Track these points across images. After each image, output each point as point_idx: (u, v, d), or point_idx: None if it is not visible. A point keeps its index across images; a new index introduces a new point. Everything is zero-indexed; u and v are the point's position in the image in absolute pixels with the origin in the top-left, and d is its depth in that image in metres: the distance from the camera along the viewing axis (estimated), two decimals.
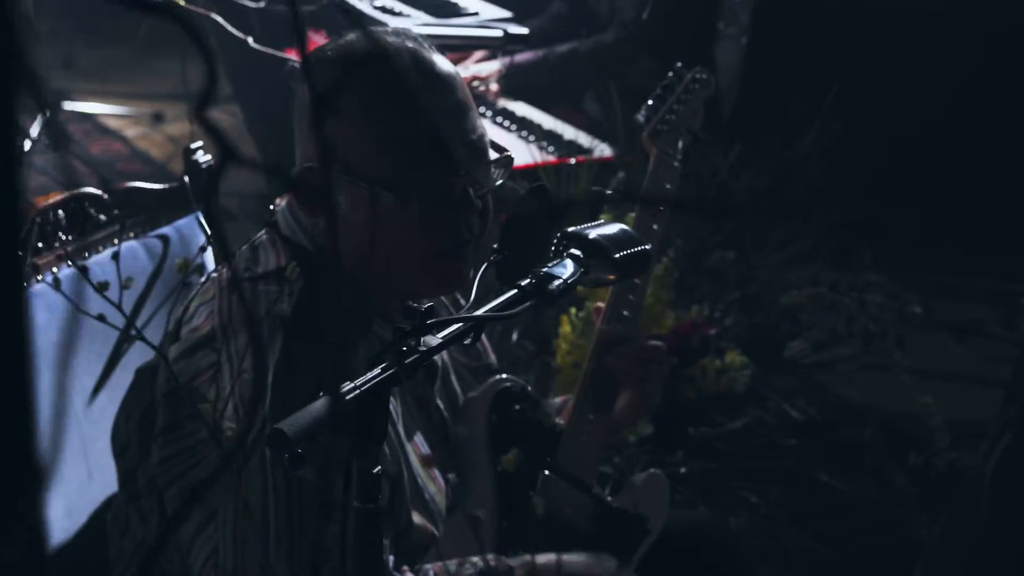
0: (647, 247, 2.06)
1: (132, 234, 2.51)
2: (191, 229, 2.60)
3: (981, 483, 2.82)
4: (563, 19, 4.83)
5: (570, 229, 2.01)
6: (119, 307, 1.90)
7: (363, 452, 1.52)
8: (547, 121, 4.24)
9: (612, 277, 2.01)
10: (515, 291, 1.82)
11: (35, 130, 6.62)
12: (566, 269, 1.91)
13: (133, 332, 2.04)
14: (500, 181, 2.10)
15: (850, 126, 3.75)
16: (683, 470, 3.23)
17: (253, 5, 3.39)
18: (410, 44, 2.04)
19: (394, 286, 2.05)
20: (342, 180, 2.00)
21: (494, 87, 4.40)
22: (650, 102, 2.65)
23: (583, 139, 4.10)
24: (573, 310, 3.24)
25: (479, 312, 1.74)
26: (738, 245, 3.55)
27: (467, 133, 2.03)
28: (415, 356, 1.58)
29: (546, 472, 2.35)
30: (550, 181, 3.52)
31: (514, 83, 4.43)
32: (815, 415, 3.39)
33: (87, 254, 2.41)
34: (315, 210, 2.06)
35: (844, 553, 3.37)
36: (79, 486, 2.34)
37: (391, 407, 2.08)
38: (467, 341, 1.72)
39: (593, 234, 1.99)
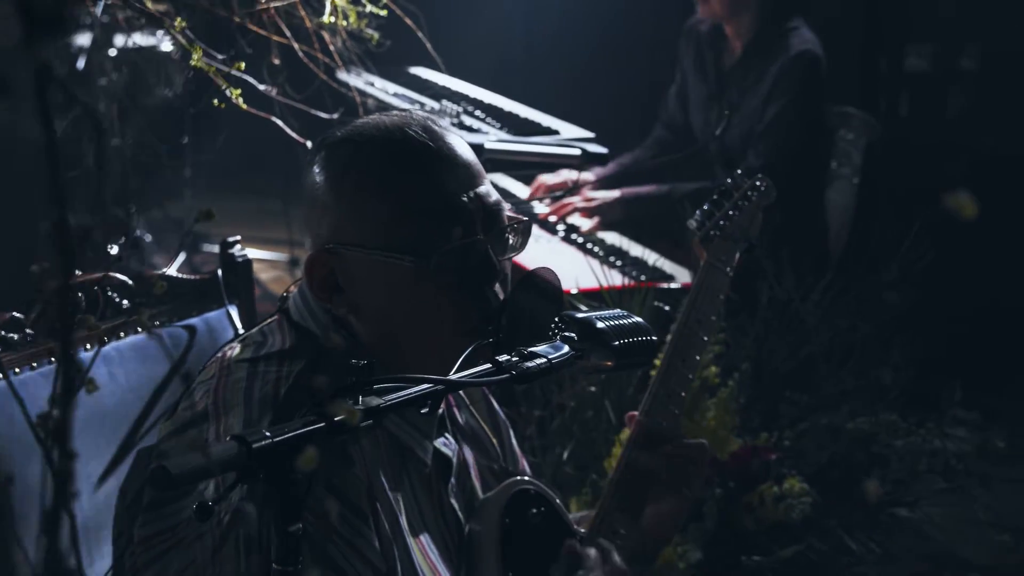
0: (653, 339, 1.99)
1: (157, 323, 2.49)
2: (220, 323, 2.58)
3: None
4: (665, 146, 4.81)
5: (574, 313, 1.95)
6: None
7: (279, 509, 1.43)
8: (635, 249, 4.21)
9: (610, 364, 1.93)
10: (489, 365, 1.75)
11: (175, 265, 6.83)
12: (554, 351, 1.83)
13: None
14: (518, 248, 2.05)
15: (941, 256, 3.62)
16: None
17: (327, 116, 3.41)
18: (418, 118, 2.03)
19: (409, 367, 1.99)
20: (358, 256, 1.96)
21: (595, 220, 4.37)
22: (705, 207, 2.58)
23: (667, 266, 4.05)
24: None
25: (434, 377, 1.65)
26: (809, 374, 3.42)
27: (482, 197, 2.00)
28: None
29: None
30: (613, 301, 3.45)
31: (634, 211, 4.42)
32: (877, 549, 3.21)
33: (106, 339, 2.39)
34: (327, 294, 2.02)
35: None
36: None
37: (392, 499, 2.02)
38: (424, 410, 1.64)
39: (594, 319, 1.93)
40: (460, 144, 2.03)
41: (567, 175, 4.49)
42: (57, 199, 0.64)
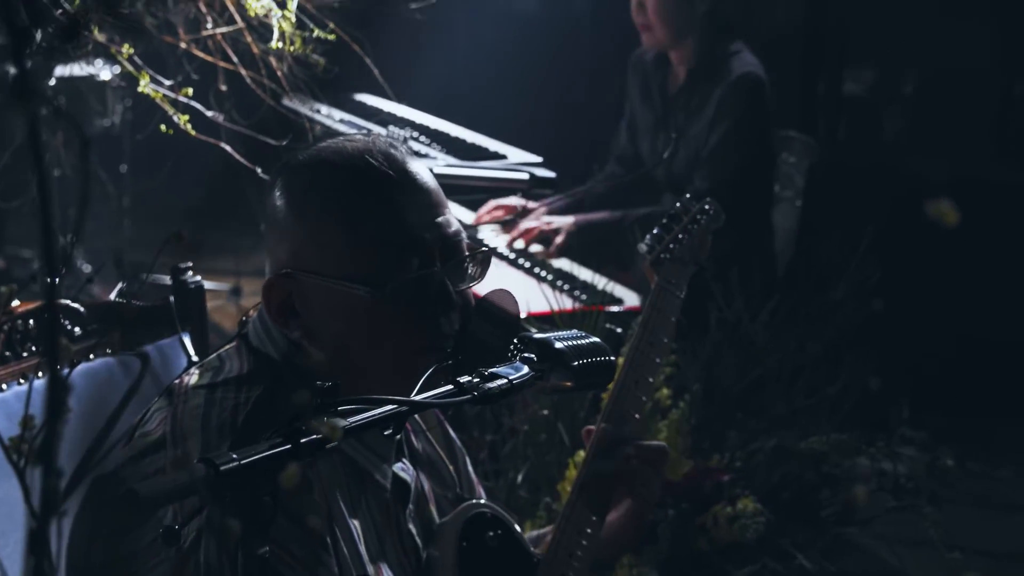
0: (612, 359, 2.00)
1: (108, 350, 2.46)
2: (174, 350, 2.56)
3: None
4: (616, 180, 4.83)
5: (532, 334, 1.95)
6: None
7: (246, 531, 1.42)
8: (584, 274, 4.22)
9: (569, 384, 1.94)
10: (451, 387, 1.75)
11: (114, 293, 6.74)
12: (514, 372, 1.84)
13: None
14: (478, 277, 2.06)
15: (888, 274, 3.67)
16: None
17: (275, 143, 3.40)
18: (381, 144, 2.02)
19: (365, 391, 1.99)
20: (314, 283, 1.95)
21: (560, 240, 4.37)
22: (655, 231, 2.60)
23: (619, 290, 4.07)
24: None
25: (397, 398, 1.65)
26: (760, 395, 3.44)
27: (442, 227, 2.00)
28: (314, 437, 1.48)
29: None
30: (564, 324, 3.46)
31: (587, 238, 4.43)
32: (831, 568, 3.23)
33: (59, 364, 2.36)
34: (285, 319, 2.02)
35: None
36: None
37: (352, 526, 2.01)
38: (388, 431, 1.63)
39: (552, 340, 1.93)
40: (422, 172, 2.03)
41: (516, 201, 4.49)
42: (44, 223, 0.64)
